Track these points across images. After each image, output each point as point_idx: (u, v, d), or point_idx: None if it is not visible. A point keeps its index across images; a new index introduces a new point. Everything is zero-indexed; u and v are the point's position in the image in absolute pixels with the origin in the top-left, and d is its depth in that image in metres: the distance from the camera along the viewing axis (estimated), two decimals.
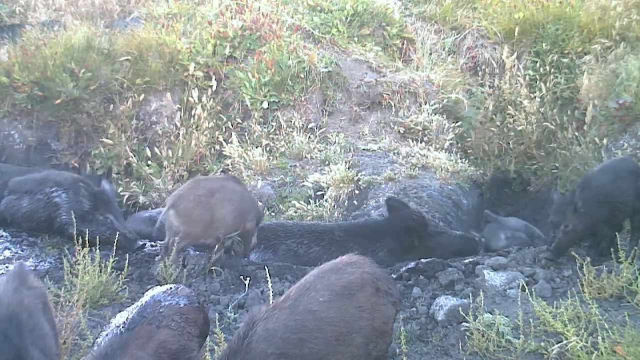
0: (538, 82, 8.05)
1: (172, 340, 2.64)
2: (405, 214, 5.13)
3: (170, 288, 2.95)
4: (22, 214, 5.41)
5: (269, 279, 3.79)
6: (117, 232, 4.94)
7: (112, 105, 7.55)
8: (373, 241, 5.07)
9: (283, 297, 2.95)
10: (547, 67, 8.06)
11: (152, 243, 5.72)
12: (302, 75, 7.60)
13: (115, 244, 4.65)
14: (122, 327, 2.59)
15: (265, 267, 4.37)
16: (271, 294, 3.78)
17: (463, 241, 5.25)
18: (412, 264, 4.92)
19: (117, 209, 5.62)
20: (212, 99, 7.53)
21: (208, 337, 3.21)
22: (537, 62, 8.26)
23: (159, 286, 3.09)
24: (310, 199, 6.34)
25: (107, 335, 2.61)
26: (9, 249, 5.34)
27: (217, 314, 3.97)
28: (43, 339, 2.62)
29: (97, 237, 5.07)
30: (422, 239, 5.09)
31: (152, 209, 6.93)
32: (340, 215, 6.11)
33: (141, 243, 5.40)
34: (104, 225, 5.27)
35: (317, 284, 2.93)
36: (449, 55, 8.85)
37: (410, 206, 5.37)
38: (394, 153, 6.93)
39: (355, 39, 8.59)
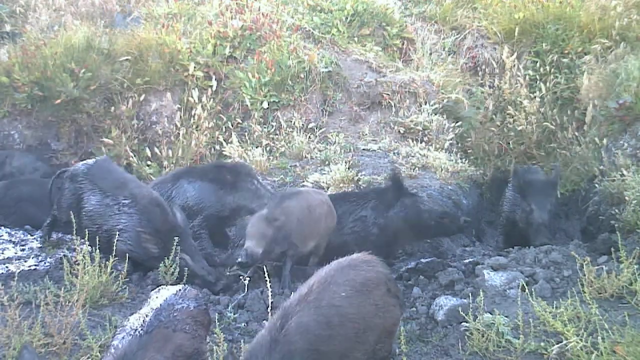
0: (538, 82, 8.05)
1: (187, 344, 2.72)
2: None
3: (179, 290, 3.01)
4: (86, 212, 4.86)
5: (267, 279, 3.79)
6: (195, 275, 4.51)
7: (112, 106, 7.55)
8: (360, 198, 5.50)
9: (305, 289, 2.93)
10: (547, 67, 8.05)
11: None
12: (302, 75, 7.59)
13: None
14: (140, 330, 2.66)
15: (264, 267, 4.37)
16: (270, 294, 3.78)
17: (444, 214, 5.40)
18: (412, 264, 4.92)
19: (192, 244, 4.84)
20: (212, 99, 7.52)
21: (207, 337, 3.21)
22: (537, 62, 8.25)
23: (164, 287, 3.11)
24: None
25: (123, 337, 2.66)
26: (9, 249, 5.36)
27: (217, 314, 3.97)
28: None
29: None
30: (401, 194, 5.37)
31: None
32: None
33: (224, 282, 4.77)
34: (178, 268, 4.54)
35: (337, 278, 2.94)
36: (449, 55, 8.84)
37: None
38: (394, 153, 6.92)
39: (355, 39, 8.58)
